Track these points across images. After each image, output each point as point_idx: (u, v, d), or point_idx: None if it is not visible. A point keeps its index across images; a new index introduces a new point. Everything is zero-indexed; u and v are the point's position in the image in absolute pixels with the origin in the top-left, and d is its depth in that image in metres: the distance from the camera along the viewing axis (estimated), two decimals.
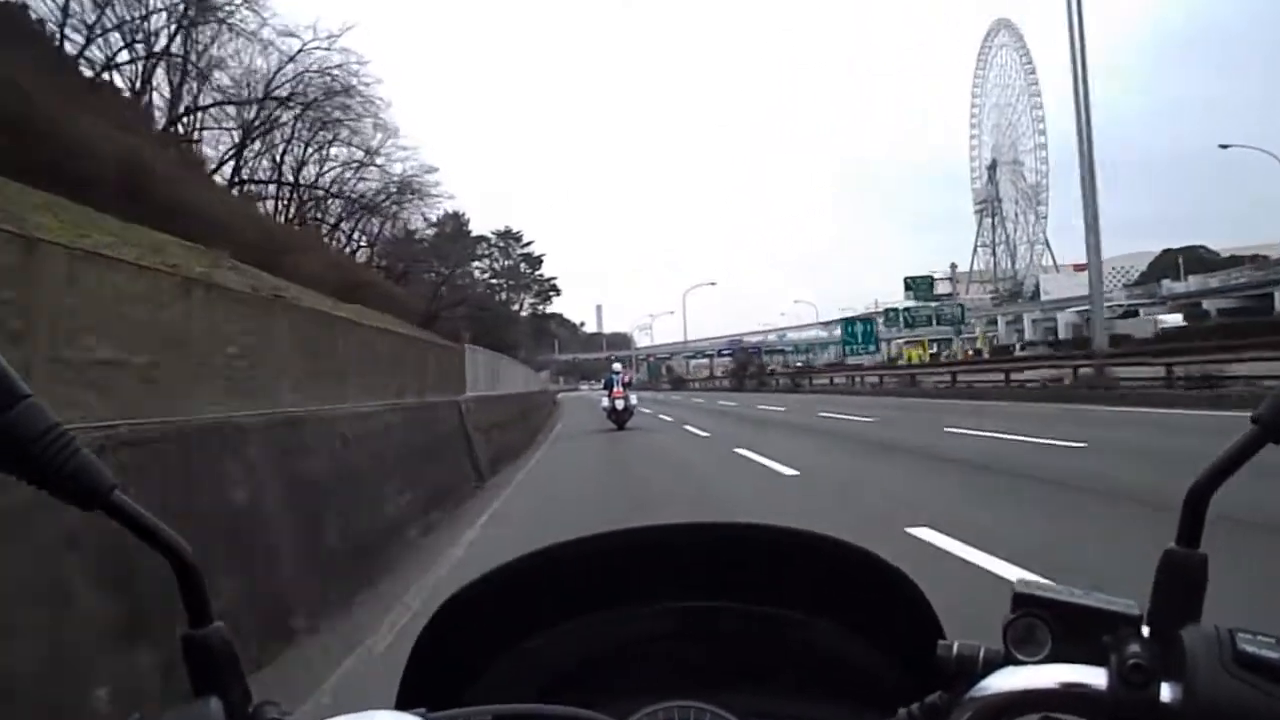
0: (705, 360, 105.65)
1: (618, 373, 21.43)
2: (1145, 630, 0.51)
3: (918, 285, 61.50)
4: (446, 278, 45.78)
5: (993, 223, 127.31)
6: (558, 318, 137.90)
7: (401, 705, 0.65)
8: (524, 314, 74.58)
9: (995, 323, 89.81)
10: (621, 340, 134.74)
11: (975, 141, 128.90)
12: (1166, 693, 0.47)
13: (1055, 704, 0.51)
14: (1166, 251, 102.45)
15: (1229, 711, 0.45)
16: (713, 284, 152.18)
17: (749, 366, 64.64)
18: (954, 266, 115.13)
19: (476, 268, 64.72)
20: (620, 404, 20.97)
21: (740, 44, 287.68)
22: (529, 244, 74.70)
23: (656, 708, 0.70)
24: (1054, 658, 0.52)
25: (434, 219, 44.74)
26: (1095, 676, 0.49)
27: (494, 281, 70.86)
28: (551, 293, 78.25)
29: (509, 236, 73.13)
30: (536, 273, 76.16)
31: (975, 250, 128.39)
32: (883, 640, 0.75)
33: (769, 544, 0.79)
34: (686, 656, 0.79)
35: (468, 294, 56.37)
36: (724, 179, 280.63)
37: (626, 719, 0.68)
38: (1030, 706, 0.51)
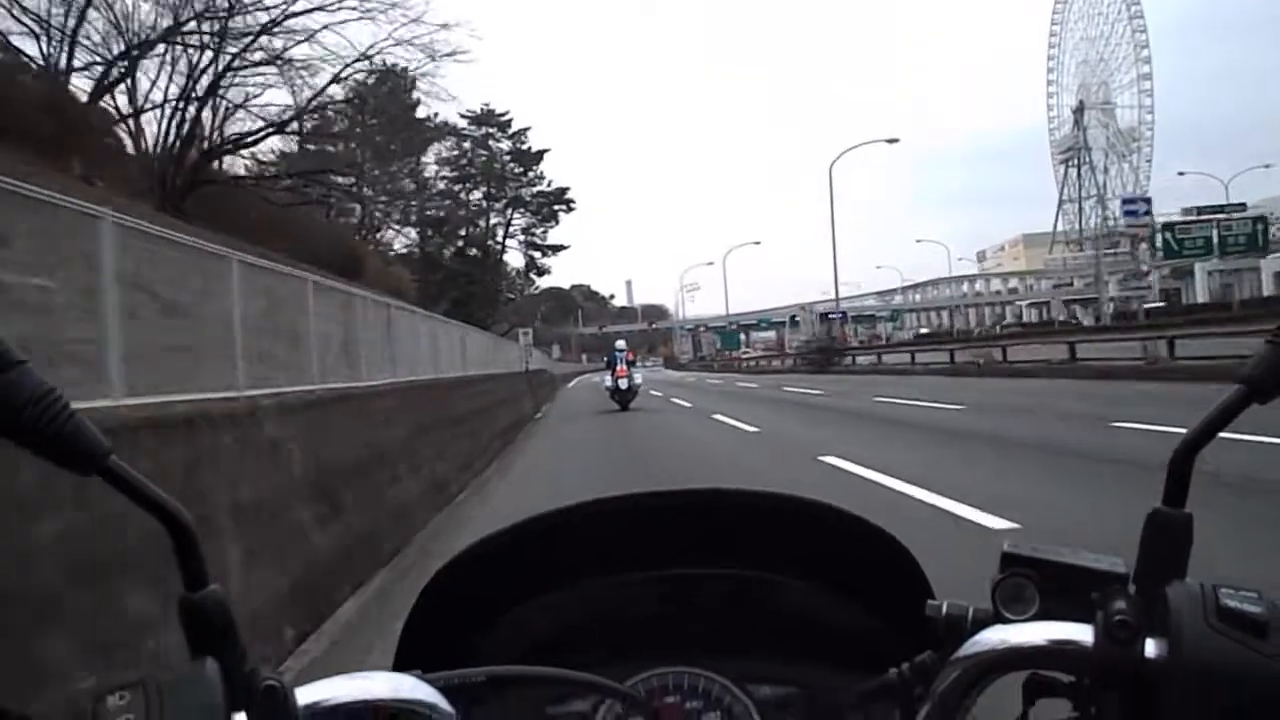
0: (766, 334, 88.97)
1: (621, 350, 20.68)
2: (1131, 588, 0.52)
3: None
4: (373, 190, 32.27)
5: (1079, 173, 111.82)
6: (584, 289, 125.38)
7: (399, 667, 0.64)
8: (512, 243, 52.23)
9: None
10: (656, 312, 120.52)
11: (1053, 83, 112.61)
12: (1151, 648, 0.48)
13: (1043, 660, 0.52)
14: None
15: (1212, 664, 0.45)
16: (757, 243, 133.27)
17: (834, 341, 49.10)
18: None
19: (434, 166, 45.61)
20: (624, 383, 20.22)
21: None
22: (520, 132, 49.40)
23: (652, 673, 0.74)
24: (1042, 616, 0.53)
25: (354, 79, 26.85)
26: (1082, 633, 0.50)
27: (457, 188, 47.49)
28: (559, 208, 51.82)
29: (488, 120, 47.88)
30: (532, 175, 50.67)
31: (1060, 206, 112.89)
32: (872, 602, 0.76)
33: (758, 509, 0.79)
34: (679, 622, 0.80)
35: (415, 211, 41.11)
36: (760, 142, 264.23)
37: (624, 684, 0.70)
38: (1018, 663, 0.52)
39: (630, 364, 20.62)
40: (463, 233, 48.58)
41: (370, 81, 30.14)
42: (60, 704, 0.47)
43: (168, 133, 19.19)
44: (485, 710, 0.64)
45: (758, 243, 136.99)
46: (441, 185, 46.69)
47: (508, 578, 0.78)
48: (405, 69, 27.18)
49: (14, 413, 0.46)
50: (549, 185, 52.32)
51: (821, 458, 8.66)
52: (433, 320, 14.09)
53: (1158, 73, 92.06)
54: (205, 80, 18.83)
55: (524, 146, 50.47)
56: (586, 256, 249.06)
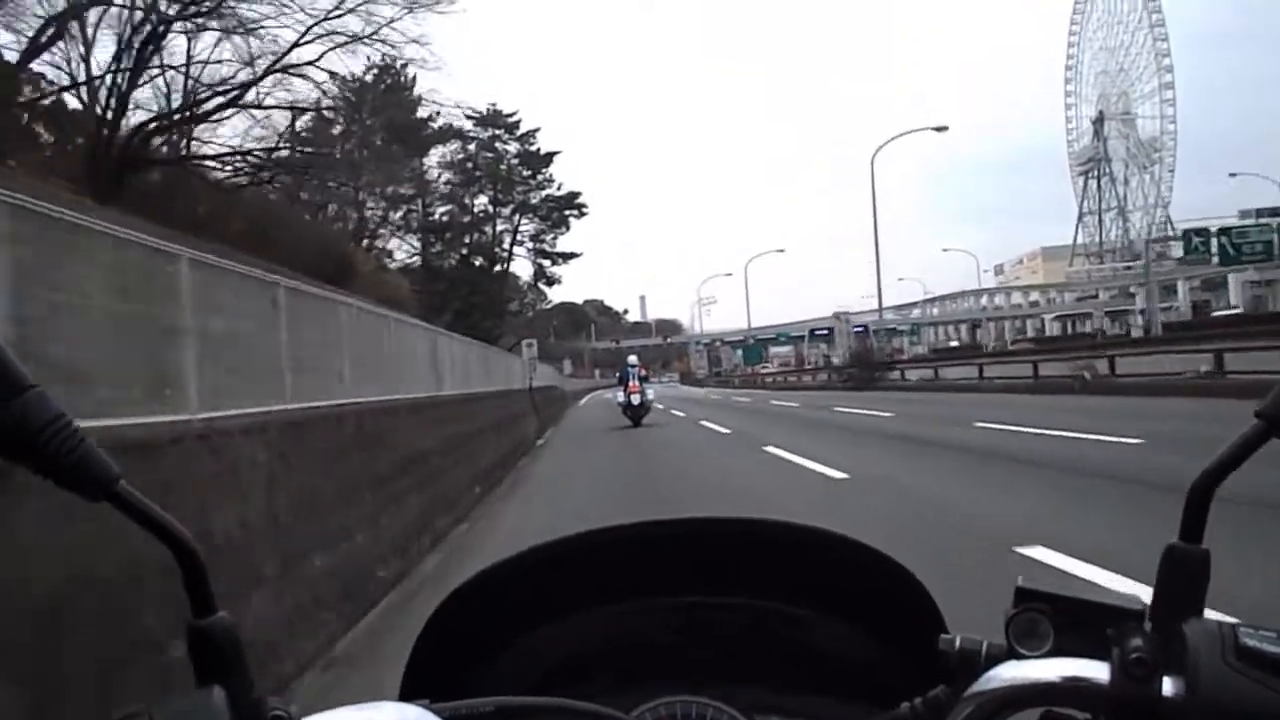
0: (784, 349, 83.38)
1: (634, 366, 20.26)
2: (1148, 625, 0.51)
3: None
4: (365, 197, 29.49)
5: (1099, 185, 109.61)
6: (597, 304, 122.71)
7: (405, 696, 0.64)
8: (520, 251, 48.27)
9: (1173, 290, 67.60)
10: (670, 327, 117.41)
11: (1072, 94, 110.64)
12: (1168, 686, 0.47)
13: (1057, 698, 0.51)
14: None
15: (1230, 705, 0.45)
16: (781, 250, 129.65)
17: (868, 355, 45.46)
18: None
19: (437, 169, 42.30)
20: (636, 399, 19.89)
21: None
22: (529, 134, 45.58)
23: (660, 702, 0.72)
24: (1056, 652, 0.52)
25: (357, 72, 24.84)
26: (1097, 670, 0.49)
27: (462, 192, 43.89)
28: (570, 214, 47.73)
29: (495, 121, 44.07)
30: (541, 178, 46.69)
31: (1080, 219, 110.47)
32: (885, 635, 0.75)
33: (772, 539, 0.78)
34: (690, 651, 0.79)
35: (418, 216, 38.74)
36: (776, 152, 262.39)
37: (630, 713, 0.69)
38: (1033, 700, 0.51)
39: (643, 379, 20.46)
40: (467, 240, 45.39)
41: (368, 79, 27.57)
42: None
43: (107, 105, 16.00)
44: None
45: (781, 250, 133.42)
46: (445, 189, 43.54)
47: (515, 606, 0.77)
48: (405, 64, 24.52)
49: (29, 437, 0.46)
50: (559, 189, 48.49)
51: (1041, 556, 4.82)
52: (394, 321, 9.90)
53: (1210, 78, 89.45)
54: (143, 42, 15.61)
55: (533, 148, 46.85)
56: (599, 272, 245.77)
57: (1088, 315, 74.94)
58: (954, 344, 73.98)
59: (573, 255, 51.05)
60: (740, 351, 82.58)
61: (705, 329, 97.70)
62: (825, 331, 65.80)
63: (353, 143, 26.33)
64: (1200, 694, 0.45)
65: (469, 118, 41.37)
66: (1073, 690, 0.50)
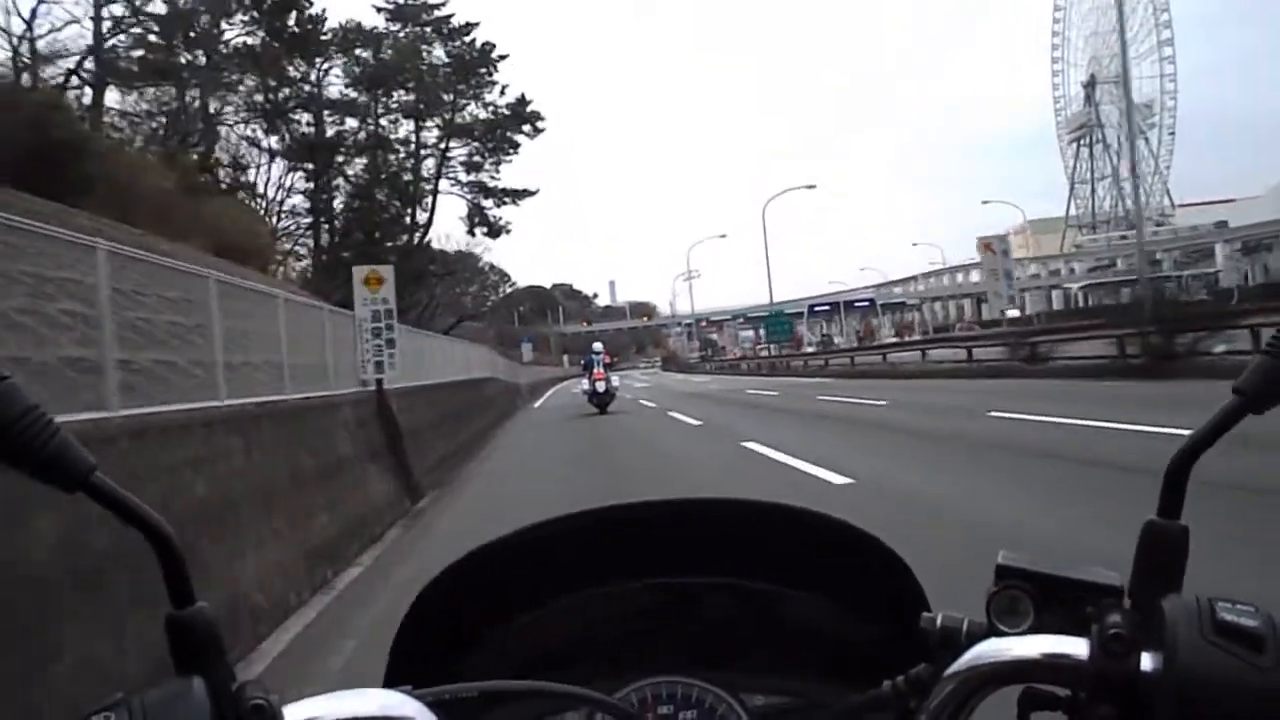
0: (747, 333, 75.13)
1: (598, 353, 20.27)
2: (1127, 601, 0.51)
3: None
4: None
5: (1091, 153, 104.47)
6: (565, 288, 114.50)
7: (389, 683, 0.63)
8: (450, 188, 35.17)
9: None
10: (644, 310, 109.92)
11: (1059, 60, 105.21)
12: (1147, 661, 0.48)
13: (1038, 674, 0.51)
14: None
15: (1208, 679, 0.45)
16: (723, 236, 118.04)
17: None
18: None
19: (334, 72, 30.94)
20: (601, 386, 20.13)
21: None
22: (463, 29, 33.38)
23: (645, 683, 0.73)
24: (1037, 629, 0.52)
25: None
26: (1077, 647, 0.50)
27: (356, 94, 31.57)
28: (517, 131, 34.37)
29: (415, 17, 32.91)
30: (478, 83, 33.70)
31: (1071, 188, 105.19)
32: (867, 613, 0.75)
33: (753, 519, 0.78)
34: (673, 633, 0.79)
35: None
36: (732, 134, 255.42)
37: (616, 695, 0.71)
38: (1013, 677, 0.52)
39: (607, 367, 20.44)
40: (362, 161, 31.87)
41: None
42: None
43: None
44: None
45: (723, 235, 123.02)
46: (335, 94, 31.20)
47: (499, 590, 0.77)
48: None
49: (2, 430, 0.46)
50: (503, 94, 33.91)
51: None
52: None
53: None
54: None
55: (469, 42, 33.37)
56: (566, 257, 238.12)
57: (1117, 284, 68.54)
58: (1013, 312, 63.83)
59: (524, 192, 35.79)
60: (764, 327, 61.67)
61: (687, 308, 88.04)
62: (867, 303, 58.24)
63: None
64: (1178, 668, 0.45)
65: (379, 10, 31.63)
66: (1052, 666, 0.50)
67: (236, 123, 26.85)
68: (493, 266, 49.77)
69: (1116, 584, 0.52)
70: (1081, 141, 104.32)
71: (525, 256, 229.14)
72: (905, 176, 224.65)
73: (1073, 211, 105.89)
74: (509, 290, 60.16)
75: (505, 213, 35.69)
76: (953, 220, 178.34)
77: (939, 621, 0.55)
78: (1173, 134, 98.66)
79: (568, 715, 0.73)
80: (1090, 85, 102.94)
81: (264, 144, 28.51)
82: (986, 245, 31.08)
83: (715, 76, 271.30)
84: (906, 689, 0.56)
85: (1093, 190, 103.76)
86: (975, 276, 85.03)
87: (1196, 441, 0.51)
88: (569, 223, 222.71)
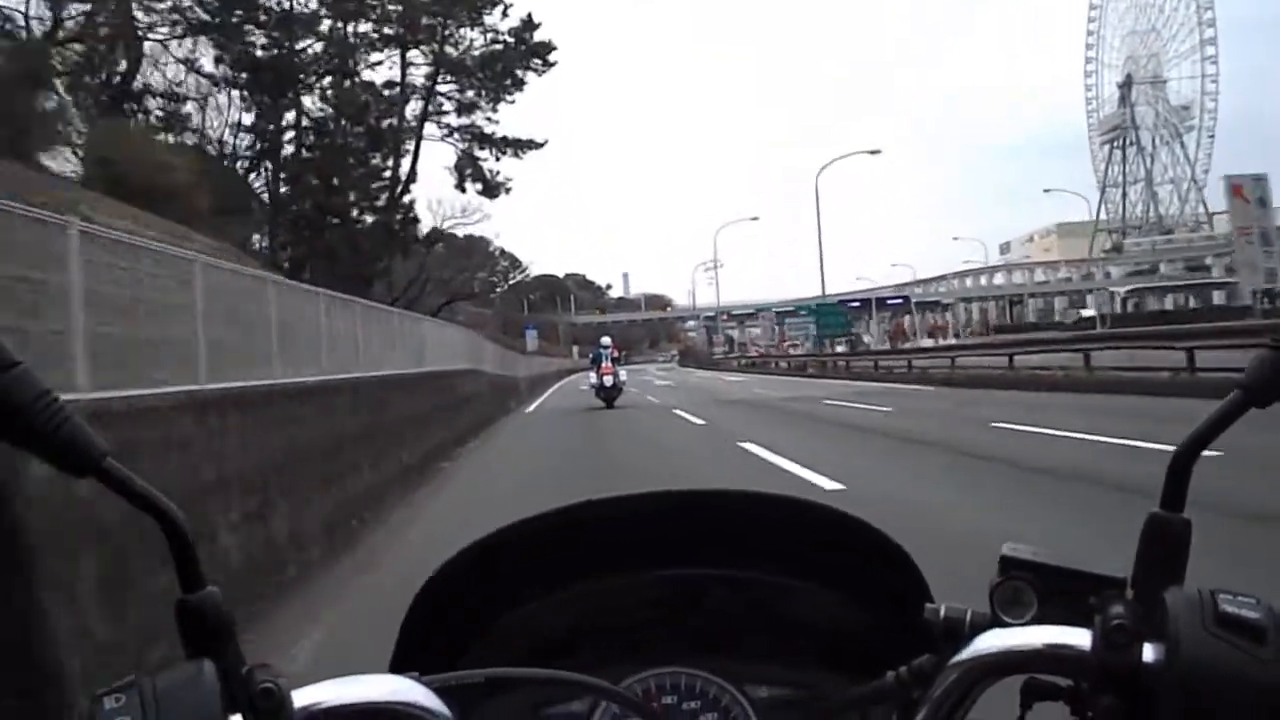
0: (756, 330, 70.15)
1: (606, 347, 20.67)
2: (1129, 593, 0.52)
3: None
4: None
5: (1124, 156, 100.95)
6: (578, 278, 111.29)
7: (396, 669, 0.63)
8: (436, 132, 28.50)
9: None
10: (660, 302, 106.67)
11: (1093, 60, 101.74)
12: (1149, 653, 0.48)
13: (1040, 665, 0.52)
14: None
15: (1210, 670, 0.45)
16: (755, 219, 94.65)
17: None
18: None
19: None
20: (609, 380, 20.43)
21: None
22: None
23: (649, 673, 0.74)
24: (1040, 620, 0.53)
25: None
26: (1079, 638, 0.50)
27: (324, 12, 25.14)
28: (526, 65, 27.47)
29: None
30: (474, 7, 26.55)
31: (1103, 192, 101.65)
32: (870, 604, 0.75)
33: (757, 510, 0.79)
34: (676, 624, 0.79)
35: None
36: (757, 122, 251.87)
37: (620, 684, 0.71)
38: (1016, 667, 0.52)
39: (615, 361, 20.76)
40: (327, 89, 25.35)
41: None
42: (58, 707, 0.37)
43: None
44: (482, 712, 0.66)
45: (755, 218, 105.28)
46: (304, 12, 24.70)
47: (505, 579, 0.77)
48: None
49: (13, 415, 0.46)
50: (504, 16, 26.94)
51: None
52: None
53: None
54: None
55: None
56: (579, 249, 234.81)
57: (1166, 290, 65.17)
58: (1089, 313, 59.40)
59: (530, 144, 28.39)
60: (813, 318, 50.14)
61: (705, 302, 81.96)
62: (856, 302, 54.20)
63: None
64: (1180, 660, 0.45)
65: None
66: (1055, 657, 0.51)
67: (169, 38, 20.96)
68: (503, 251, 46.79)
69: (1119, 576, 0.52)
70: (1114, 144, 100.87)
71: (538, 250, 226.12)
72: (927, 171, 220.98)
73: (1102, 216, 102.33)
74: (520, 277, 56.77)
75: (505, 167, 28.60)
76: (985, 219, 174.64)
77: (943, 612, 0.55)
78: (1212, 137, 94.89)
79: (573, 704, 0.73)
80: (1125, 85, 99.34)
81: (202, 66, 22.55)
82: (1237, 189, 21.86)
83: (713, 66, 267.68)
84: (910, 679, 0.56)
85: (1124, 194, 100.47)
86: (1018, 277, 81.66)
87: (1200, 435, 0.51)
88: (578, 211, 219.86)
